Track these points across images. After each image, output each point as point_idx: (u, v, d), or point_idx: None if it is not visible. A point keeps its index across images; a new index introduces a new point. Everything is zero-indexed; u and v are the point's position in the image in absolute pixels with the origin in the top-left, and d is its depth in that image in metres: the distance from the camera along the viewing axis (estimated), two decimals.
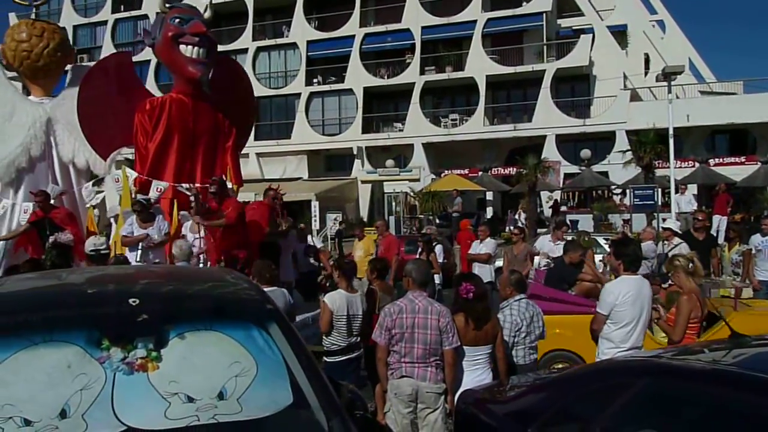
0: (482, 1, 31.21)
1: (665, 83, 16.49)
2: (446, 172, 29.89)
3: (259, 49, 34.90)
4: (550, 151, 28.82)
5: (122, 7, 37.78)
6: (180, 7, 9.43)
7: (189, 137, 9.28)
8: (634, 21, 32.25)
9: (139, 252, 7.81)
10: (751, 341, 3.20)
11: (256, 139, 34.36)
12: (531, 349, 5.18)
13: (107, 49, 37.74)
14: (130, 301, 2.58)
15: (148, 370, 2.34)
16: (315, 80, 33.96)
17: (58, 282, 3.25)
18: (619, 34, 31.48)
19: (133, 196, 8.55)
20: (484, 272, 9.48)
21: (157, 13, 9.75)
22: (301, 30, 33.90)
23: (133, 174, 9.00)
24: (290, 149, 33.50)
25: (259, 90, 34.49)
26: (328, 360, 5.48)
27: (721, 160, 27.04)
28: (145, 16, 37.14)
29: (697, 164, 25.85)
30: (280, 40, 34.39)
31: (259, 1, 34.76)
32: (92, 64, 11.29)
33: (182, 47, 8.87)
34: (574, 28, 31.96)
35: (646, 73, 31.49)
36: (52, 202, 8.74)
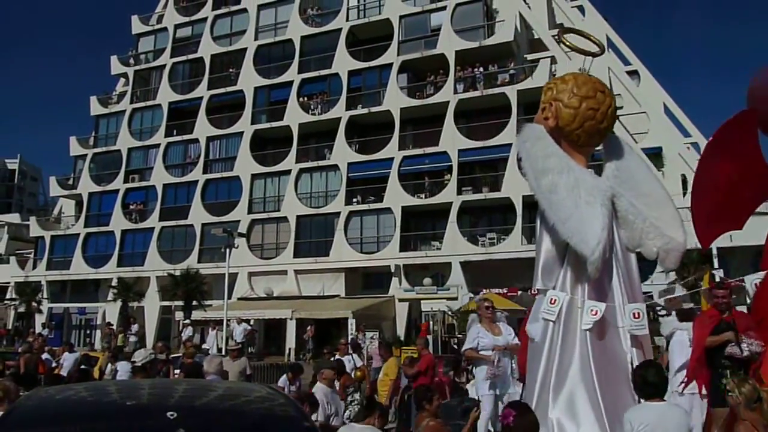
0: (516, 126, 32.21)
1: None
2: (484, 290, 29.56)
3: (301, 171, 36.23)
4: None
5: (175, 131, 40.20)
6: None
7: None
8: (669, 143, 32.73)
9: None
10: None
11: (294, 256, 34.98)
12: None
13: (158, 170, 39.88)
14: (168, 414, 2.56)
15: None
16: (354, 200, 34.81)
17: (97, 394, 3.25)
18: (655, 156, 31.85)
19: None
20: None
21: None
22: (342, 153, 35.26)
23: None
24: (328, 267, 33.79)
25: (300, 209, 35.53)
26: None
27: None
28: (196, 140, 39.40)
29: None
30: (321, 162, 35.77)
31: (303, 127, 36.53)
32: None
33: None
34: None
35: (684, 194, 31.45)
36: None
